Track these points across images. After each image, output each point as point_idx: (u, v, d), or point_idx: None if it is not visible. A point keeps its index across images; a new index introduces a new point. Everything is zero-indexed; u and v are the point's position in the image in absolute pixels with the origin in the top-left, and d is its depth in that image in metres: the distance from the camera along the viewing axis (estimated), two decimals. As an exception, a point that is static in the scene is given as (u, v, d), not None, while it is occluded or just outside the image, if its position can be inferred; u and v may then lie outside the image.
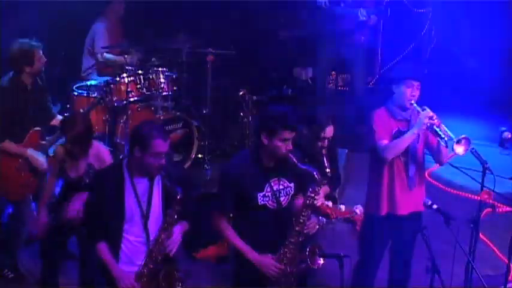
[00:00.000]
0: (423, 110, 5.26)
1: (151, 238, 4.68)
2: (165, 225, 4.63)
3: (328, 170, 4.98)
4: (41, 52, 6.05)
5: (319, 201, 5.31)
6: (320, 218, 5.23)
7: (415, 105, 5.30)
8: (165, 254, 4.69)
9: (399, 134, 5.35)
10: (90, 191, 4.81)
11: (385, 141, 5.31)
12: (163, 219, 4.65)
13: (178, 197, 4.57)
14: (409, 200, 5.43)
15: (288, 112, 4.67)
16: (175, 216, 4.62)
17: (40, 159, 6.02)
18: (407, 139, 5.27)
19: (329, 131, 5.41)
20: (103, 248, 4.69)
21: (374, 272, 5.67)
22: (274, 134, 4.60)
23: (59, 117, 6.33)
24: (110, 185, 4.61)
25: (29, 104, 6.05)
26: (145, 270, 4.67)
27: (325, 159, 4.99)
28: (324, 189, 5.48)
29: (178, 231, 4.72)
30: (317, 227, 5.11)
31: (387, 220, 5.49)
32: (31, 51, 6.00)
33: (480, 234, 5.58)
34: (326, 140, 5.39)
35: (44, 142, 6.08)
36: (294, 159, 4.64)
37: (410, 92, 5.29)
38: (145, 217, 4.66)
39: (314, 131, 5.36)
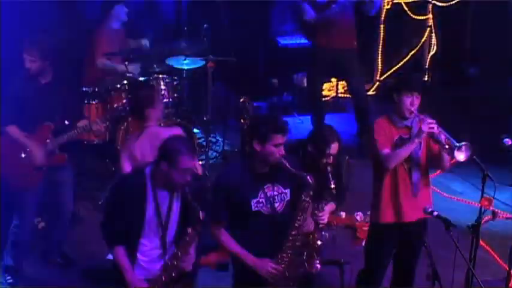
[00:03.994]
0: (423, 117, 5.28)
1: (168, 250, 4.72)
2: (184, 243, 4.65)
3: (333, 186, 4.98)
4: (28, 56, 5.92)
5: (325, 218, 5.29)
6: (323, 233, 5.22)
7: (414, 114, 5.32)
8: (179, 270, 4.72)
9: (401, 141, 5.36)
10: (112, 194, 4.83)
11: (387, 150, 5.33)
12: (183, 237, 4.66)
13: (201, 218, 4.57)
14: (415, 207, 5.42)
15: (278, 116, 4.69)
16: (195, 236, 4.64)
17: (38, 153, 6.00)
18: (408, 148, 5.30)
19: (334, 147, 5.39)
20: (120, 252, 4.72)
21: (380, 282, 5.67)
22: (265, 139, 4.63)
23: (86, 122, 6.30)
24: (133, 191, 4.63)
25: (41, 98, 6.01)
26: (159, 282, 4.70)
27: (330, 176, 4.99)
28: (330, 207, 5.47)
29: (194, 249, 4.75)
30: (319, 242, 5.10)
31: (393, 228, 5.48)
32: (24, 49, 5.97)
33: (480, 241, 5.58)
34: (331, 157, 5.37)
35: (54, 138, 6.06)
36: (287, 164, 4.66)
37: (410, 101, 5.32)
38: (163, 228, 4.69)
39: (319, 148, 5.35)
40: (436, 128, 5.23)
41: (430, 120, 5.25)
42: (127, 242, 4.71)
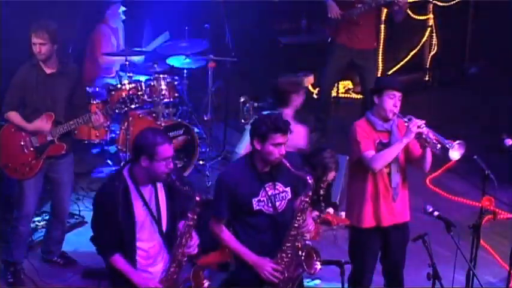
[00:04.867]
0: (409, 119, 5.23)
1: (168, 242, 4.70)
2: (186, 229, 4.62)
3: (322, 207, 4.96)
4: (36, 39, 5.87)
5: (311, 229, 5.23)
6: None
7: (397, 115, 5.27)
8: (188, 255, 4.71)
9: (381, 145, 5.29)
10: (96, 208, 4.76)
11: (372, 152, 5.26)
12: (184, 222, 4.63)
13: (197, 199, 4.56)
14: (393, 212, 5.39)
15: (279, 116, 4.67)
16: (196, 218, 4.61)
17: (45, 126, 5.98)
18: (395, 149, 5.23)
19: (331, 175, 5.40)
20: (118, 259, 4.66)
21: (369, 281, 5.66)
22: (265, 138, 4.61)
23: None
24: (116, 197, 4.57)
25: (44, 88, 6.00)
26: (170, 274, 4.68)
27: (321, 199, 4.98)
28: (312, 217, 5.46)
29: (195, 235, 4.73)
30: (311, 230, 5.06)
31: (374, 232, 5.46)
32: (30, 31, 5.92)
33: (481, 241, 5.57)
34: (326, 183, 5.37)
35: (53, 127, 6.03)
36: (287, 164, 4.65)
37: (392, 103, 5.26)
38: (158, 222, 4.67)
39: (317, 174, 5.31)
40: (425, 128, 5.19)
41: (418, 120, 5.20)
42: (123, 249, 4.66)
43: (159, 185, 4.68)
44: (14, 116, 6.03)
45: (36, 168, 6.09)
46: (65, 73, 6.10)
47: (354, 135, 5.32)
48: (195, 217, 4.61)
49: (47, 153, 6.09)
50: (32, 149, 6.06)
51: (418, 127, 5.15)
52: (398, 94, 5.26)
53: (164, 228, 4.70)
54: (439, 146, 5.16)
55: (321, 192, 5.14)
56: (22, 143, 6.04)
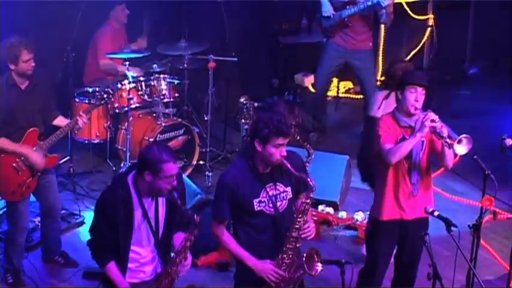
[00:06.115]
0: (427, 113, 5.24)
1: (161, 254, 4.72)
2: (182, 249, 4.64)
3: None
4: (30, 54, 5.84)
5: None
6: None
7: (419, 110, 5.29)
8: (178, 274, 4.72)
9: (404, 140, 5.33)
10: (97, 213, 4.74)
11: (390, 145, 5.30)
12: (180, 243, 4.65)
13: (196, 222, 4.56)
14: (414, 206, 5.40)
15: (281, 118, 4.66)
16: (193, 240, 4.63)
17: (37, 158, 5.95)
18: (410, 143, 5.24)
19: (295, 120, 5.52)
20: (112, 268, 4.66)
21: (380, 281, 5.65)
22: (267, 140, 4.58)
23: (62, 118, 6.24)
24: (118, 204, 4.56)
25: (23, 104, 5.94)
26: (161, 287, 4.69)
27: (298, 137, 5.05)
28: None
29: (190, 255, 4.74)
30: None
31: (393, 226, 5.47)
32: (16, 50, 5.83)
33: (481, 241, 5.57)
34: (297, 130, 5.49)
35: (41, 142, 6.01)
36: (288, 165, 4.64)
37: (414, 97, 5.28)
38: (156, 235, 4.67)
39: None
40: (438, 123, 5.19)
41: (432, 115, 5.20)
42: (117, 254, 4.66)
43: (161, 199, 4.68)
44: (3, 143, 5.90)
45: (33, 186, 6.06)
46: (37, 83, 6.04)
47: (377, 128, 5.36)
48: (192, 239, 4.62)
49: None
50: (24, 168, 5.98)
51: (432, 121, 5.16)
52: (419, 89, 5.26)
53: (162, 241, 4.72)
54: (448, 140, 5.16)
55: (297, 137, 5.24)
56: (15, 166, 5.95)
